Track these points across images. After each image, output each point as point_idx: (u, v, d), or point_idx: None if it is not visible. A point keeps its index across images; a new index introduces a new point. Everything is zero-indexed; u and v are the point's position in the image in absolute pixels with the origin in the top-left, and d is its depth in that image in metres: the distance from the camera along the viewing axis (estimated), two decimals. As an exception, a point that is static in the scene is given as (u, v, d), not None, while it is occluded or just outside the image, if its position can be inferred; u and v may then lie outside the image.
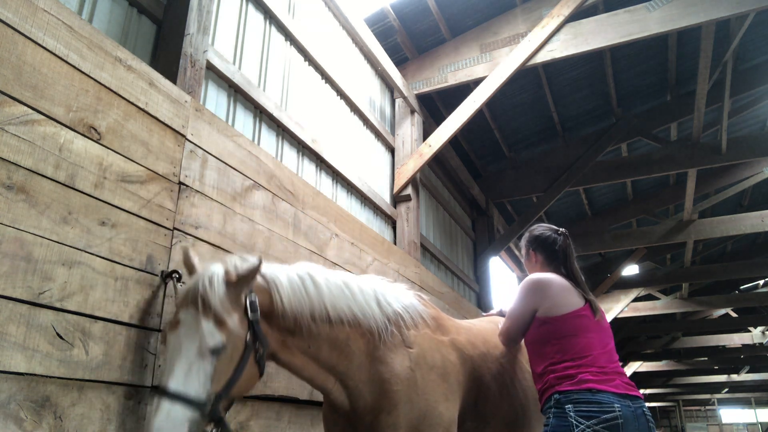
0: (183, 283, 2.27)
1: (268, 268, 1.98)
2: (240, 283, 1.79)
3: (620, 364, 2.33)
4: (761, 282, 16.04)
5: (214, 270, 1.79)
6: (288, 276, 1.99)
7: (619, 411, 2.05)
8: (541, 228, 2.65)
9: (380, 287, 2.27)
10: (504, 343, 2.64)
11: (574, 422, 2.07)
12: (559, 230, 2.59)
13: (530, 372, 2.68)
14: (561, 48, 5.21)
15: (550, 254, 2.54)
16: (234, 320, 1.74)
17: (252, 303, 1.82)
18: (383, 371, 2.09)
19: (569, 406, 2.11)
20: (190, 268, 1.96)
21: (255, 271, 1.81)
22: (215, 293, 1.72)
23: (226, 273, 1.79)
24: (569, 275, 2.45)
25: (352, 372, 2.07)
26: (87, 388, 1.86)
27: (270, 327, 1.90)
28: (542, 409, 2.32)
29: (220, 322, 1.70)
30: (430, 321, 2.37)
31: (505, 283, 10.85)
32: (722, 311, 17.18)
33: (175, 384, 1.60)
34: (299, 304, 1.95)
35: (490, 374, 2.51)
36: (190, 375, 1.62)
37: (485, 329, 2.77)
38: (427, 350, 2.23)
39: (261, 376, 1.87)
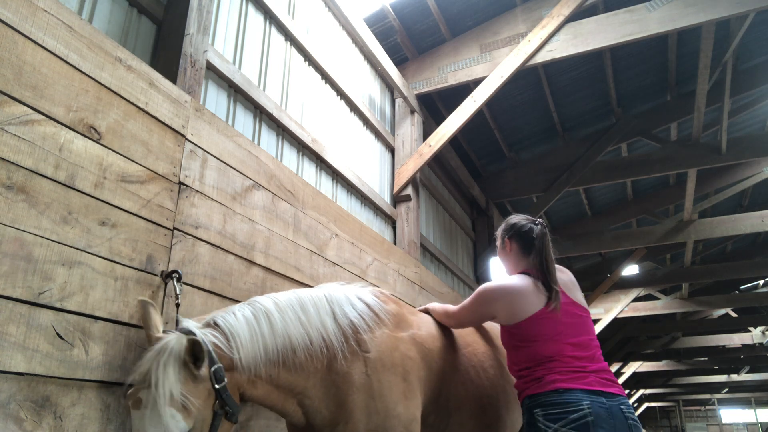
0: (182, 284, 2.27)
1: (223, 318, 1.88)
2: (199, 365, 1.69)
3: (598, 355, 2.24)
4: (761, 282, 16.06)
5: (169, 355, 1.66)
6: (245, 319, 1.91)
7: (588, 408, 1.99)
8: (518, 217, 2.55)
9: (337, 296, 2.22)
10: (448, 325, 2.62)
11: (543, 427, 2.04)
12: (536, 220, 2.49)
13: (498, 362, 2.70)
14: (561, 48, 5.20)
15: (526, 244, 2.44)
16: (198, 401, 1.67)
17: (217, 373, 1.72)
18: (339, 382, 2.07)
19: (537, 410, 2.08)
20: (150, 333, 1.83)
21: (209, 352, 1.73)
22: (174, 384, 1.63)
23: (184, 360, 1.66)
24: (542, 267, 2.35)
25: (308, 390, 2.04)
26: (87, 388, 1.86)
27: (234, 374, 1.83)
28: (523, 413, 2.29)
29: (183, 408, 1.63)
30: (389, 319, 2.33)
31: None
32: (722, 311, 17.20)
33: None
34: (260, 348, 1.89)
35: (452, 366, 2.47)
36: None
37: None
38: (384, 351, 2.19)
39: (235, 423, 1.83)
